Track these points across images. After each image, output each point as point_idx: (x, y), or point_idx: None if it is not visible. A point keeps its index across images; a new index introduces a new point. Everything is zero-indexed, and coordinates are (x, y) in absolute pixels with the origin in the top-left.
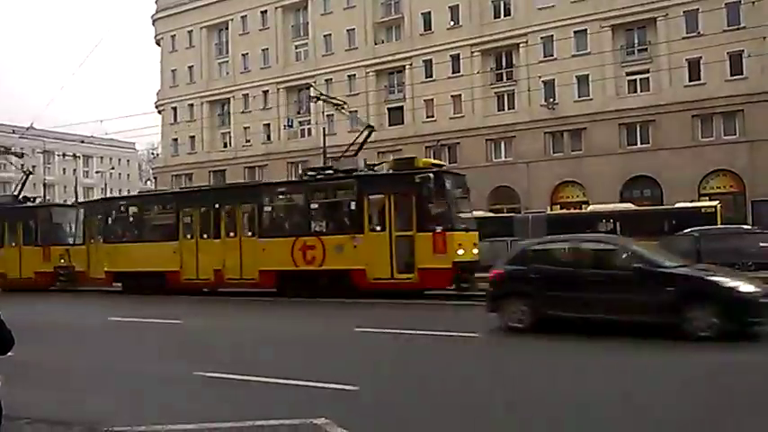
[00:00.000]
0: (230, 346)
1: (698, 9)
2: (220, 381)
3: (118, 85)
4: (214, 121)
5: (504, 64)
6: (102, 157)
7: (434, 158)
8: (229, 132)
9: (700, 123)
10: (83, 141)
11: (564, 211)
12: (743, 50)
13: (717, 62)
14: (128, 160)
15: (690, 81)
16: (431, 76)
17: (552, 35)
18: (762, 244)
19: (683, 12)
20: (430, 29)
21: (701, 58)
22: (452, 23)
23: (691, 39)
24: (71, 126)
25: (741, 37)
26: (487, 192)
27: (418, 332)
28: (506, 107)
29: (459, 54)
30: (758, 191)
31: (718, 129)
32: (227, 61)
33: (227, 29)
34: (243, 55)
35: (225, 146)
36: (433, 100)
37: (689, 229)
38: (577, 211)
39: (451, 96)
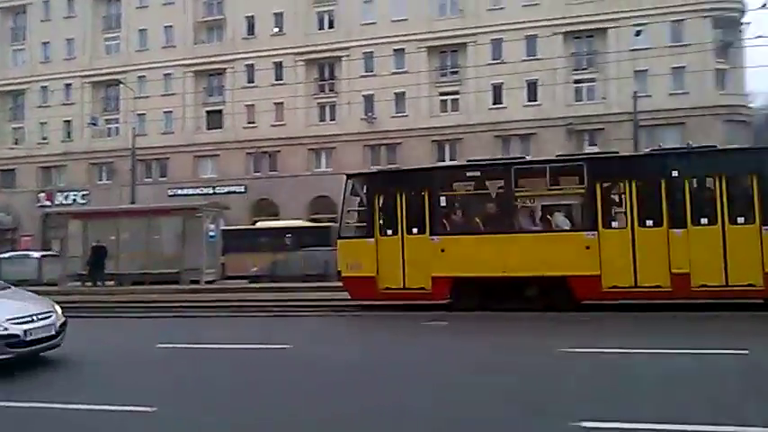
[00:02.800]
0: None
1: (502, 39)
2: None
3: None
4: (5, 115)
5: (327, 75)
6: None
7: (254, 166)
8: (22, 127)
9: (500, 144)
10: None
11: None
12: (537, 79)
13: (517, 88)
14: None
15: (493, 104)
16: (252, 82)
17: (373, 51)
18: None
19: (491, 39)
20: (253, 33)
21: (502, 83)
22: (276, 30)
23: (495, 65)
24: None
25: (538, 66)
26: (307, 201)
27: None
28: (328, 118)
29: (282, 62)
30: None
31: (516, 149)
32: (24, 49)
33: (24, 12)
34: (43, 43)
35: (15, 142)
36: (254, 106)
37: None
38: None
39: (274, 104)
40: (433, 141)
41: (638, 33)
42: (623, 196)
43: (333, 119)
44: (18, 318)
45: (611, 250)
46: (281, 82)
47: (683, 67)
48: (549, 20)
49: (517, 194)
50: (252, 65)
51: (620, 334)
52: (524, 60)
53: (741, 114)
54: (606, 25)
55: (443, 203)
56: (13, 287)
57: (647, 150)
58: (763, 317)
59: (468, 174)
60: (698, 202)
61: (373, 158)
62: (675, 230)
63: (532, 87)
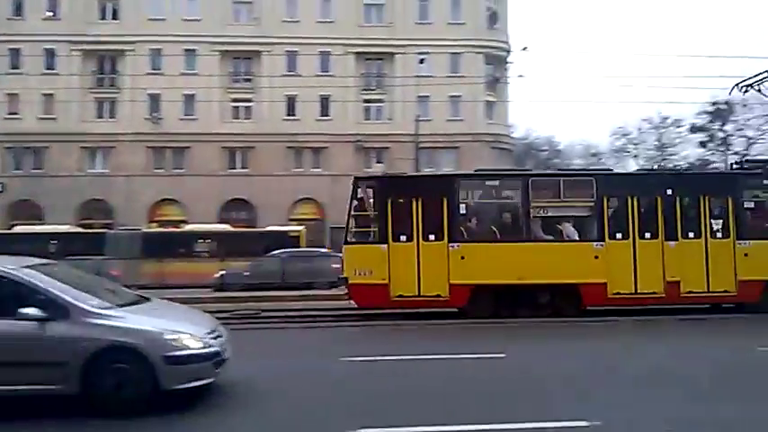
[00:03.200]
0: None
1: (297, 52)
2: None
3: None
4: None
5: (107, 69)
6: None
7: (14, 162)
8: None
9: (293, 155)
10: None
11: (161, 229)
12: (330, 95)
13: (310, 102)
14: None
15: (287, 115)
16: (18, 68)
17: (161, 48)
18: (333, 265)
19: (286, 51)
20: (20, 15)
21: (296, 95)
22: (50, 14)
23: (290, 77)
24: None
25: (330, 83)
26: (77, 205)
27: None
28: (107, 115)
29: (54, 49)
30: (335, 218)
31: (308, 161)
32: None
33: None
34: None
35: None
36: (18, 95)
37: (277, 251)
38: (175, 229)
39: (43, 95)
40: (223, 148)
41: (421, 61)
42: (626, 210)
43: (112, 116)
44: (211, 332)
45: (616, 260)
46: (52, 71)
47: (459, 96)
48: (342, 39)
49: (533, 205)
50: (18, 49)
51: (399, 341)
52: (318, 75)
53: (505, 143)
54: (394, 50)
55: (463, 211)
56: (155, 298)
57: (644, 169)
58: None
59: (488, 183)
60: (687, 218)
61: (157, 161)
62: (669, 243)
63: (325, 102)
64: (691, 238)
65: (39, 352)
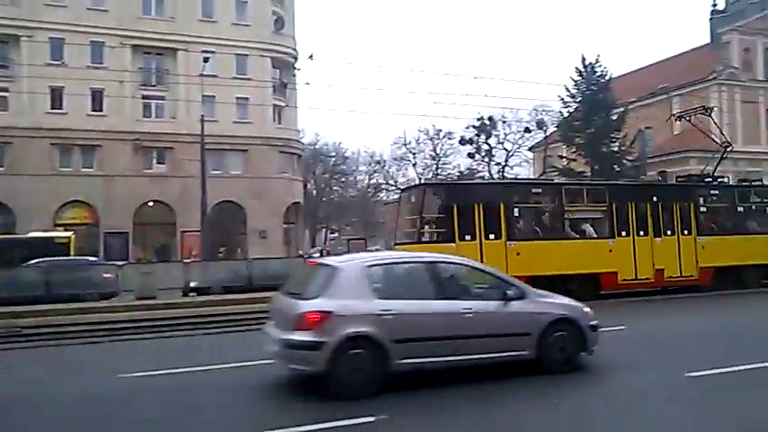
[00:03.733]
0: None
1: (64, 39)
2: None
3: None
4: None
5: None
6: None
7: None
8: None
9: (59, 153)
10: None
11: None
12: (104, 89)
13: (79, 95)
14: None
15: (52, 108)
16: None
17: None
18: (105, 275)
19: (49, 38)
20: None
21: (63, 87)
22: None
23: (56, 67)
24: None
25: (104, 76)
26: None
27: None
28: None
29: None
30: (110, 223)
31: (78, 160)
32: None
33: None
34: None
35: None
36: None
37: (37, 260)
38: None
39: None
40: None
41: (206, 60)
42: (627, 213)
43: None
44: None
45: (623, 253)
46: None
47: (247, 98)
48: (117, 29)
49: (565, 209)
50: None
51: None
52: (89, 67)
53: (294, 147)
54: (176, 46)
55: (516, 213)
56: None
57: (645, 180)
58: None
59: (533, 191)
60: (666, 219)
61: None
62: (656, 239)
63: (98, 97)
64: (668, 235)
65: (515, 325)
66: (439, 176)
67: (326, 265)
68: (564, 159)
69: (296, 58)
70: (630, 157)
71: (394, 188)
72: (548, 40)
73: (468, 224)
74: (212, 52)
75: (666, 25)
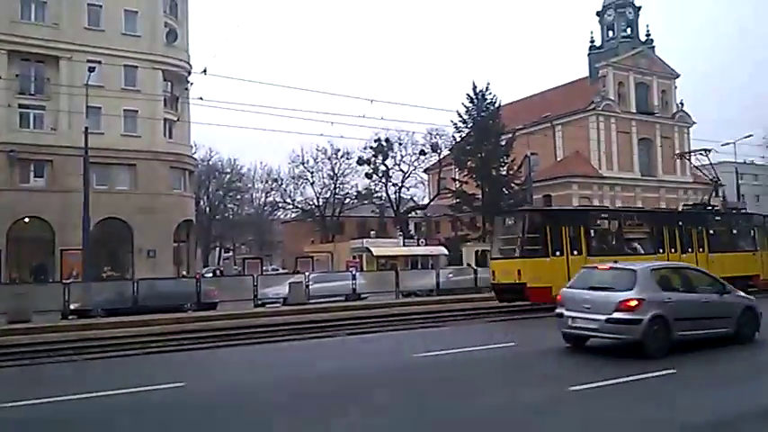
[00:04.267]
0: None
1: None
2: None
3: None
4: None
5: None
6: None
7: None
8: None
9: None
10: None
11: None
12: None
13: None
14: None
15: None
16: None
17: None
18: None
19: None
20: None
21: None
22: None
23: None
24: None
25: None
26: None
27: None
28: None
29: None
30: None
31: None
32: None
33: None
34: None
35: None
36: None
37: None
38: None
39: None
40: None
41: (91, 69)
42: (663, 234)
43: None
44: None
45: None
46: None
47: (136, 111)
48: None
49: (624, 230)
50: None
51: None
52: None
53: (185, 163)
54: (59, 54)
55: (592, 234)
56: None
57: (681, 208)
58: None
59: (602, 215)
60: (688, 239)
61: None
62: (683, 254)
63: None
64: (689, 252)
65: (725, 311)
66: (337, 196)
67: (627, 268)
68: (457, 182)
69: (189, 72)
70: (518, 181)
71: (291, 207)
72: (441, 67)
73: (558, 242)
74: (99, 62)
75: (551, 56)
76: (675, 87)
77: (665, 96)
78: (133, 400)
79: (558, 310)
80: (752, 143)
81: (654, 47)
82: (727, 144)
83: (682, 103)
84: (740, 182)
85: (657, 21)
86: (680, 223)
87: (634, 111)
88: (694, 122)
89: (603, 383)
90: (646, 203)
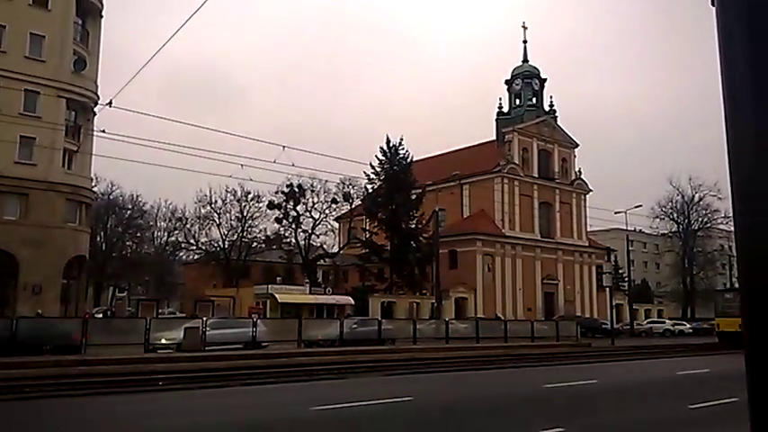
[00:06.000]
0: None
1: None
2: None
3: None
4: None
5: None
6: None
7: None
8: None
9: None
10: None
11: None
12: None
13: None
14: None
15: None
16: None
17: None
18: None
19: None
20: None
21: None
22: None
23: None
24: None
25: None
26: None
27: None
28: None
29: None
30: None
31: None
32: None
33: None
34: None
35: None
36: None
37: None
38: None
39: None
40: None
41: None
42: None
43: None
44: None
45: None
46: None
47: (34, 138)
48: None
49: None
50: None
51: None
52: None
53: (83, 195)
54: None
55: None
56: None
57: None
58: None
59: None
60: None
61: None
62: None
63: None
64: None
65: None
66: (244, 239)
67: None
68: (367, 232)
69: (96, 103)
70: (426, 235)
71: (195, 248)
72: (355, 121)
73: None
74: None
75: (462, 117)
76: (575, 156)
77: (564, 164)
78: None
79: None
80: (641, 213)
81: (557, 117)
82: (619, 213)
83: (580, 171)
84: (630, 248)
85: (561, 93)
86: (727, 296)
87: (536, 175)
88: (591, 190)
89: None
90: (544, 264)
